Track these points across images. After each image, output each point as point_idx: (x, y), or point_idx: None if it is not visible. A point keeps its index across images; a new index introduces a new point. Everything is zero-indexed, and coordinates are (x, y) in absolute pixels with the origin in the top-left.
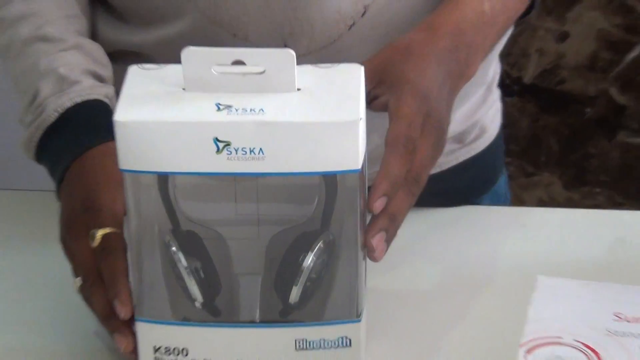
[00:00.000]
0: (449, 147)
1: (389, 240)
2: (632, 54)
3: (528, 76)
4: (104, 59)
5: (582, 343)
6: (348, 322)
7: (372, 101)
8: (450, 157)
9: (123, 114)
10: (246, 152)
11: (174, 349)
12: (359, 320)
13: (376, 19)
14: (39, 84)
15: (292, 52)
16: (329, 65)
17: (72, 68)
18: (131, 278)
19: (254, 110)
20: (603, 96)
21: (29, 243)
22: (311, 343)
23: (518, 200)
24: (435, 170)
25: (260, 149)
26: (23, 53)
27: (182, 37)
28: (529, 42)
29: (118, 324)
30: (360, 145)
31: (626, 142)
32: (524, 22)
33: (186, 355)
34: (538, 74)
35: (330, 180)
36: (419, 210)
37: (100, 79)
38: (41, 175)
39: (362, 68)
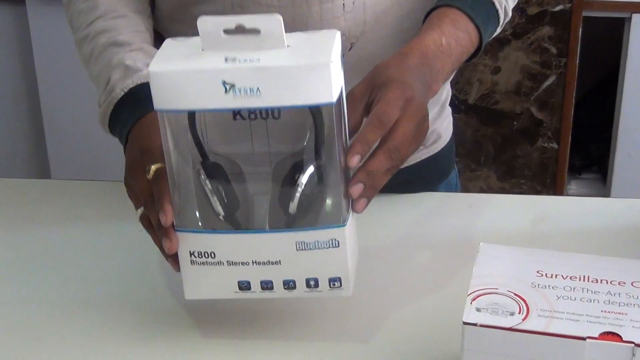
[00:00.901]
0: None
1: (368, 197)
2: (547, 83)
3: (471, 98)
4: None
5: (513, 293)
6: (335, 226)
7: (371, 105)
8: (415, 156)
9: (156, 66)
10: (247, 92)
11: (204, 252)
12: (344, 225)
13: (360, 53)
14: (111, 73)
15: (280, 17)
16: (314, 31)
17: (135, 61)
18: (173, 199)
19: (252, 60)
20: (526, 113)
21: (105, 223)
22: (308, 244)
23: (465, 189)
24: (403, 165)
25: (258, 88)
26: (101, 55)
27: None
28: (472, 74)
29: (165, 231)
30: (333, 83)
31: (543, 146)
32: (471, 62)
33: (214, 257)
34: (479, 97)
35: (317, 116)
36: (392, 196)
37: None
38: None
39: (338, 32)
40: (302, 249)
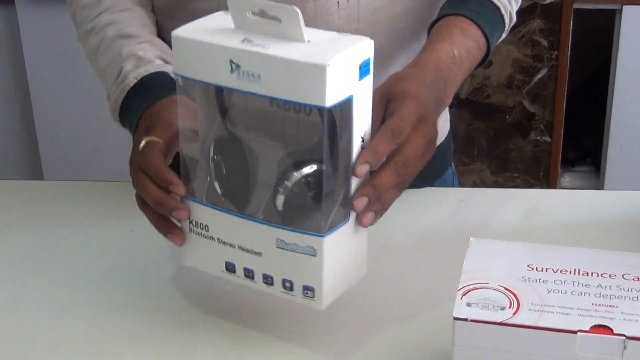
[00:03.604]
0: None
1: (375, 211)
2: (538, 76)
3: (463, 93)
4: (169, 50)
5: (504, 287)
6: (313, 234)
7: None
8: None
9: (182, 32)
10: (249, 76)
11: (200, 223)
12: (323, 236)
13: None
14: (123, 64)
15: (297, 10)
16: (346, 34)
17: (146, 53)
18: (181, 167)
19: (262, 46)
20: (518, 106)
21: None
22: (287, 245)
23: (458, 183)
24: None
25: (259, 74)
26: (110, 47)
27: None
28: None
29: (170, 228)
30: (328, 87)
31: (536, 139)
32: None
33: (207, 230)
34: (471, 91)
35: (322, 118)
36: None
37: (166, 62)
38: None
39: (372, 41)
40: (281, 248)
